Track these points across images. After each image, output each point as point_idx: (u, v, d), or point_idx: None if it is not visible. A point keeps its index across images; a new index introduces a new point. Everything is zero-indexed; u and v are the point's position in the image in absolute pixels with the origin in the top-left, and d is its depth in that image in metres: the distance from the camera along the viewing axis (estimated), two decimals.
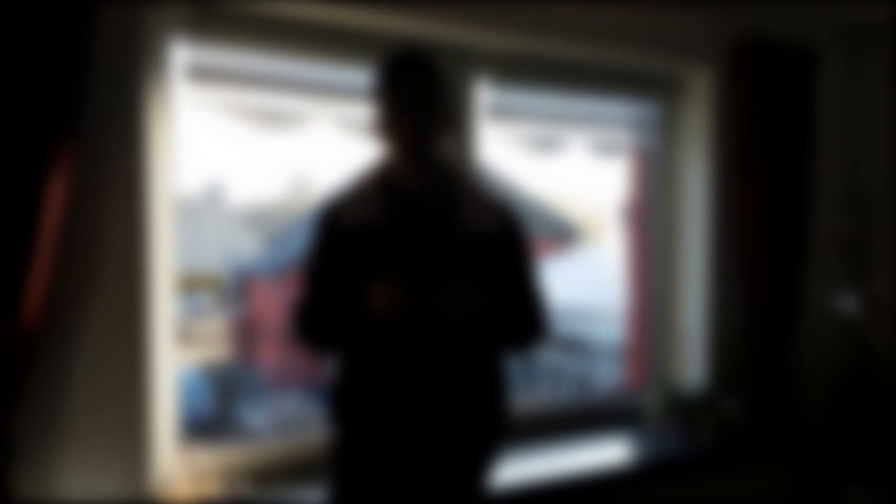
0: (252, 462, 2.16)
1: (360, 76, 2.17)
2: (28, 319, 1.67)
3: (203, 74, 2.08)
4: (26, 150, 1.64)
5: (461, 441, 1.66)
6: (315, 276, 1.67)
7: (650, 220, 2.91)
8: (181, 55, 2.04)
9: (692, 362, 2.82)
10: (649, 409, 2.74)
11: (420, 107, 1.58)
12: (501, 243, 1.66)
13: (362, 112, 2.17)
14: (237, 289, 11.05)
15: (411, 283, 1.52)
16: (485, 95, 2.47)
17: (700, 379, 2.78)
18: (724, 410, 2.58)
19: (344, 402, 1.68)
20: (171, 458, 2.03)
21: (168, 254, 2.04)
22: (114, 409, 1.89)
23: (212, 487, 2.00)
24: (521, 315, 1.69)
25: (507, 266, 1.68)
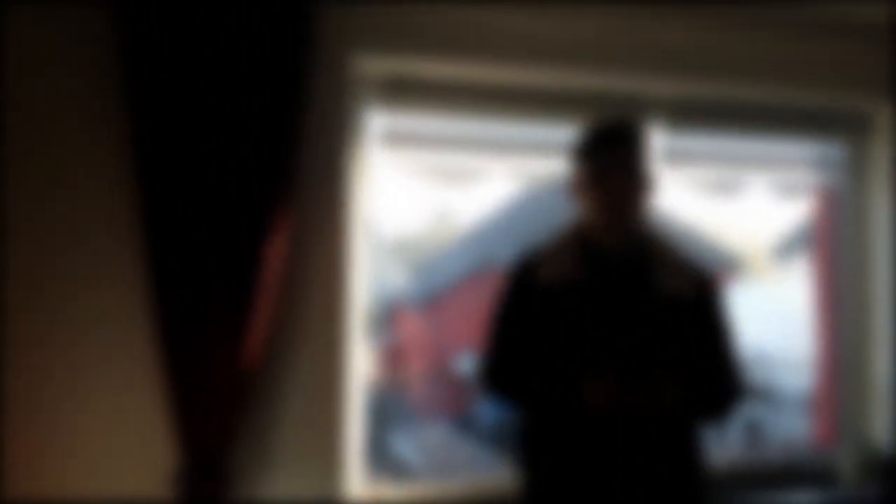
0: (426, 498, 2.24)
1: (538, 132, 2.35)
2: (249, 362, 1.85)
3: (394, 138, 2.26)
4: (253, 214, 1.86)
5: None
6: (509, 329, 1.73)
7: (837, 261, 2.75)
8: (377, 122, 2.23)
9: (891, 417, 2.61)
10: (843, 467, 2.55)
11: (624, 171, 1.65)
12: (696, 307, 1.70)
13: (534, 165, 2.38)
14: (386, 317, 11.41)
15: (625, 382, 1.55)
16: (660, 140, 2.46)
17: None
18: None
19: (535, 454, 1.71)
20: (360, 491, 2.16)
21: (364, 299, 2.19)
22: (313, 444, 2.03)
23: None
24: (715, 383, 1.71)
25: (701, 331, 1.71)
